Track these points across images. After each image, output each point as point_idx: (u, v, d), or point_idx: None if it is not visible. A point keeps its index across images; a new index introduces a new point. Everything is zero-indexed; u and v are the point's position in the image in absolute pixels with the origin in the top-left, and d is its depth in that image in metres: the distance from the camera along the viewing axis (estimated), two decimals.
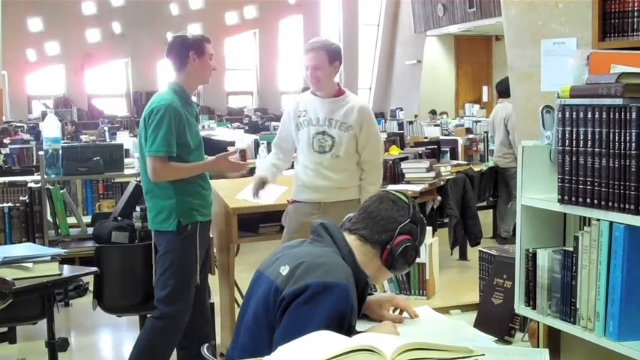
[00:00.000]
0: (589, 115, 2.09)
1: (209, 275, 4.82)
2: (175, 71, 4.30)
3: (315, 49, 4.47)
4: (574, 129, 2.14)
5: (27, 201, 5.29)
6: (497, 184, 8.90)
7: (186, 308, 4.27)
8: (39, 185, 5.33)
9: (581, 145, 2.12)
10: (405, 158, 7.72)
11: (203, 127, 16.25)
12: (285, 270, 2.36)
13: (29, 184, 5.47)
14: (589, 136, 2.09)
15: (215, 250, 5.02)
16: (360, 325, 2.45)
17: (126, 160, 5.66)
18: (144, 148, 4.18)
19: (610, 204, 2.03)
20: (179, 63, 4.27)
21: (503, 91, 8.48)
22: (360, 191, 4.57)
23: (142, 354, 4.27)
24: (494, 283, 2.82)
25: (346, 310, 2.27)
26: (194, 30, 19.62)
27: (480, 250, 3.25)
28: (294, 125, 4.61)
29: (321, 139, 4.52)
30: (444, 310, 3.01)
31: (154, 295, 4.36)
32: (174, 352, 4.53)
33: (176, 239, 4.18)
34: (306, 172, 4.57)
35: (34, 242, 5.07)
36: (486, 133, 9.95)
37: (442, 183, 7.58)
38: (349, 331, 2.28)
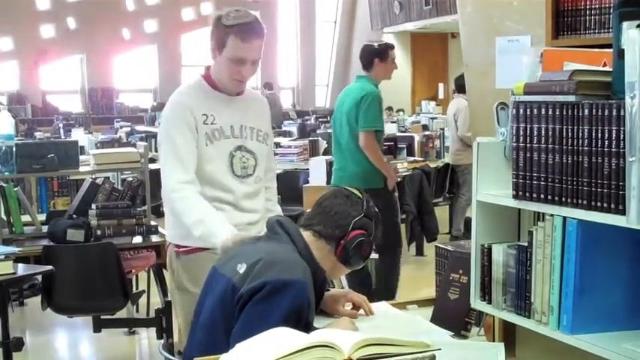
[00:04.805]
0: (542, 112, 2.11)
1: (164, 272, 4.78)
2: (364, 70, 5.82)
3: (261, 36, 3.16)
4: (528, 125, 2.16)
5: None
6: (454, 181, 8.97)
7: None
8: None
9: (534, 142, 2.14)
10: None
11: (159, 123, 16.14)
12: (242, 268, 2.35)
13: None
14: (542, 132, 2.11)
15: None
16: (317, 322, 2.46)
17: (81, 157, 5.57)
18: (354, 126, 5.63)
19: (563, 199, 2.05)
20: (366, 65, 5.83)
21: (461, 86, 8.54)
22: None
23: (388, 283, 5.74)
24: (451, 278, 2.84)
25: (303, 306, 2.28)
26: (150, 26, 19.56)
27: (436, 246, 3.28)
28: (203, 136, 3.16)
29: (243, 158, 3.22)
30: (401, 305, 3.03)
31: None
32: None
33: (385, 192, 5.65)
34: (220, 208, 3.15)
35: None
36: (442, 129, 10.04)
37: (399, 179, 7.61)
38: (307, 327, 2.29)
